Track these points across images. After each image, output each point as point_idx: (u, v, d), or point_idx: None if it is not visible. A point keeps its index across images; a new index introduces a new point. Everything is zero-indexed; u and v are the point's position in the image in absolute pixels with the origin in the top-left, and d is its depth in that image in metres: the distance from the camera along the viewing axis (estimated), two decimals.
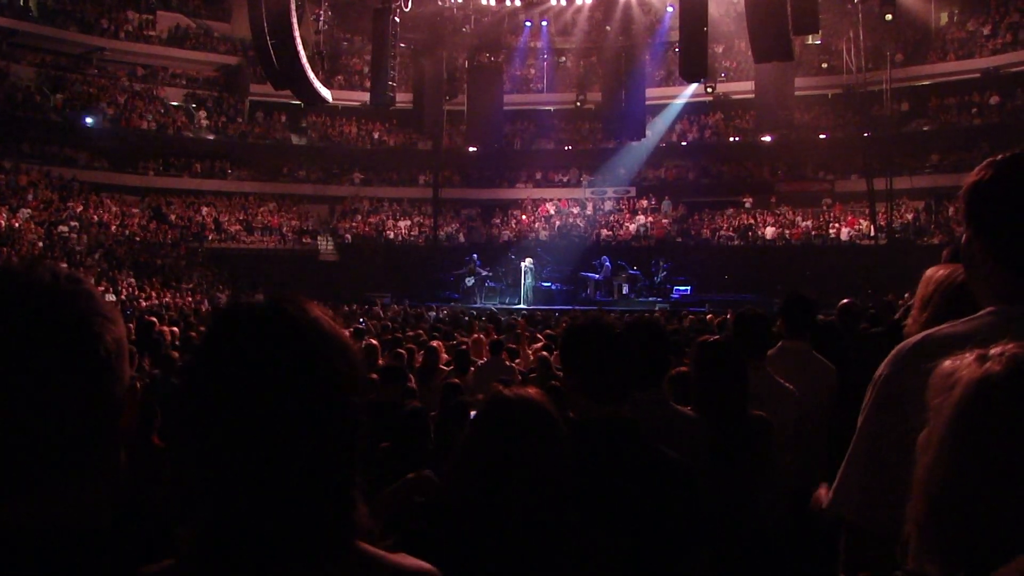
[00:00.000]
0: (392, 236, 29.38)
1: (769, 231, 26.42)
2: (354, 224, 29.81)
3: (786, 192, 28.13)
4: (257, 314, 0.96)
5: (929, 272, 2.05)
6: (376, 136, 31.17)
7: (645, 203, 29.21)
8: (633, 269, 23.74)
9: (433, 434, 4.09)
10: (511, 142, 30.51)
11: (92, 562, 0.88)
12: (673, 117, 29.02)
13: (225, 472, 0.90)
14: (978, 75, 25.34)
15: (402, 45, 24.85)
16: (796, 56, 19.82)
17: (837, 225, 25.99)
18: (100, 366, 0.91)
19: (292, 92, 22.64)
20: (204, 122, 29.51)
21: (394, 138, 31.21)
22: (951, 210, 23.43)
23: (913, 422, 1.42)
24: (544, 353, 7.29)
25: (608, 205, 29.54)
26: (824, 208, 27.05)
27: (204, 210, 28.38)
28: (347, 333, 1.02)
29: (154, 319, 10.16)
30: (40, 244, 22.50)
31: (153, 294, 22.36)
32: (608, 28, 26.91)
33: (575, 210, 29.80)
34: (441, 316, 16.68)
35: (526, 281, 23.67)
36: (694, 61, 19.01)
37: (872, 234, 24.85)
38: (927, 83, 26.63)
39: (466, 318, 15.44)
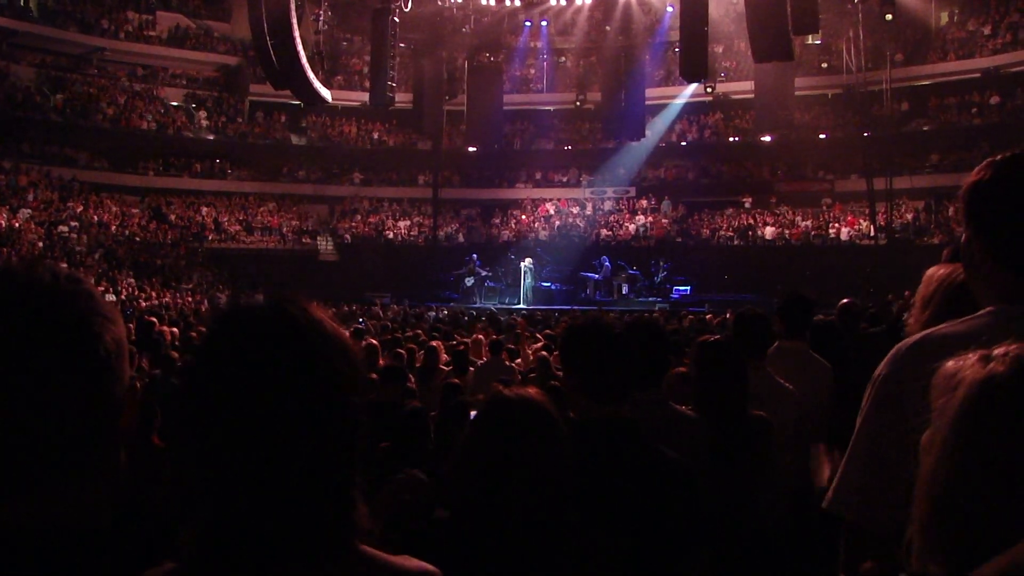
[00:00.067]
0: (392, 236, 29.38)
1: (769, 231, 26.42)
2: (354, 224, 29.81)
3: (786, 192, 28.13)
4: (258, 315, 0.96)
5: (930, 271, 2.05)
6: (376, 136, 31.17)
7: (645, 203, 29.21)
8: (633, 269, 23.74)
9: (433, 434, 4.09)
10: (511, 142, 30.51)
11: (92, 562, 0.88)
12: (673, 117, 29.01)
13: (226, 472, 0.90)
14: (978, 75, 25.34)
15: (402, 45, 24.85)
16: (796, 56, 19.81)
17: (837, 225, 25.99)
18: (100, 366, 0.91)
19: (292, 92, 22.64)
20: (204, 122, 29.51)
21: (394, 138, 31.21)
22: (951, 210, 23.43)
23: (913, 422, 1.43)
24: (544, 353, 7.29)
25: (608, 205, 29.54)
26: (824, 208, 27.05)
27: (204, 210, 28.38)
28: (347, 333, 1.02)
29: (154, 319, 10.17)
30: (40, 244, 22.50)
31: (153, 294, 22.36)
32: (608, 28, 26.91)
33: (575, 210, 29.80)
34: (441, 316, 16.68)
35: (526, 281, 23.67)
36: (694, 61, 19.00)
37: (872, 234, 24.85)
38: (927, 83, 26.62)
39: (465, 318, 15.44)
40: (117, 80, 28.61)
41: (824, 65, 26.20)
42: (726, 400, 3.02)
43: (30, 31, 26.52)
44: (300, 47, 20.30)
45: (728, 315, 12.73)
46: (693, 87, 26.65)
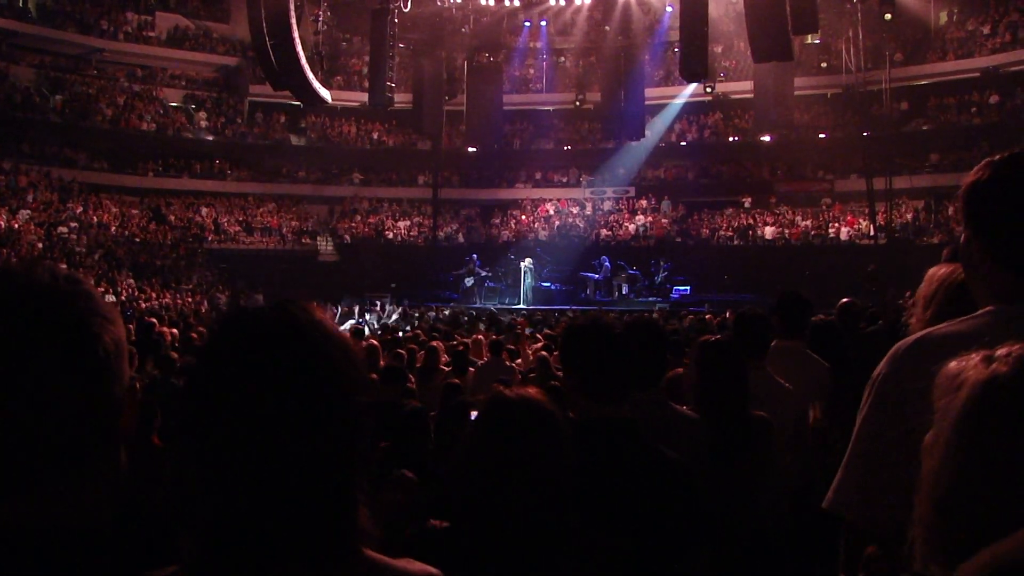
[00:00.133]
0: (391, 236, 29.38)
1: (768, 231, 26.42)
2: (353, 224, 29.81)
3: (785, 192, 28.13)
4: (261, 316, 0.97)
5: (932, 270, 2.05)
6: (375, 136, 31.17)
7: (644, 203, 29.21)
8: (632, 269, 23.74)
9: (433, 434, 4.09)
10: (510, 142, 30.51)
11: (92, 562, 0.88)
12: (672, 117, 29.02)
13: (229, 474, 0.90)
14: (977, 75, 25.35)
15: (401, 45, 24.85)
16: (795, 56, 19.83)
17: (836, 225, 25.99)
18: (99, 366, 0.91)
19: (291, 93, 22.64)
20: (203, 123, 29.52)
21: (393, 138, 31.21)
22: (951, 210, 23.43)
23: (914, 422, 1.43)
24: (544, 353, 7.30)
25: (607, 205, 29.54)
26: (823, 208, 27.05)
27: (204, 211, 28.38)
28: (348, 334, 1.02)
29: (154, 320, 10.17)
30: (40, 245, 22.50)
31: (153, 295, 22.36)
32: (607, 28, 26.91)
33: (574, 210, 29.80)
34: (441, 316, 16.68)
35: (526, 281, 23.66)
36: (694, 61, 19.00)
37: (872, 234, 24.85)
38: (926, 83, 26.63)
39: (465, 318, 15.45)
40: (116, 81, 28.61)
41: (824, 65, 26.20)
42: (726, 400, 3.02)
43: (29, 32, 26.52)
44: (299, 47, 20.30)
45: (728, 315, 12.77)
46: (692, 87, 26.65)
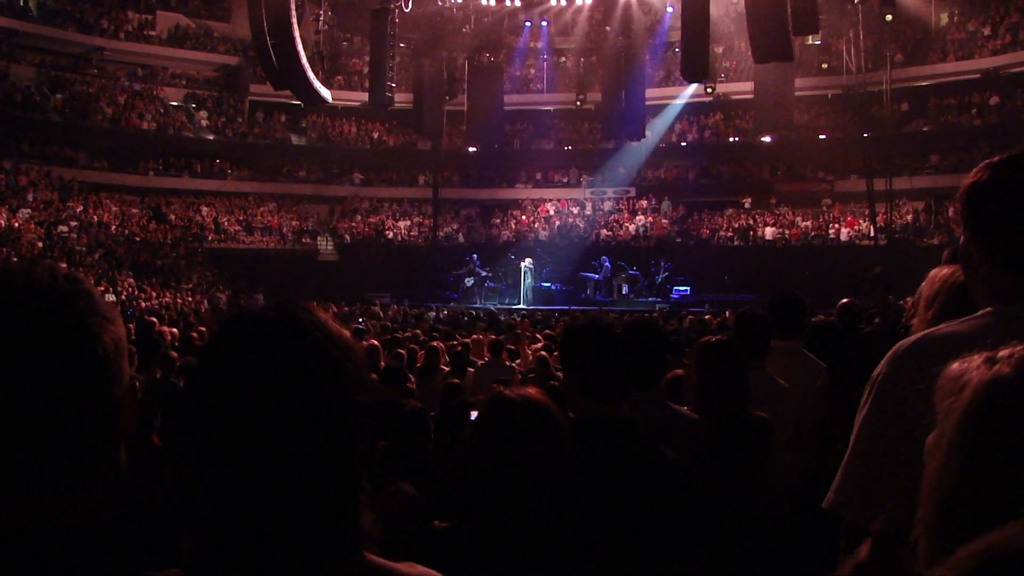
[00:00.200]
0: (392, 236, 29.38)
1: (769, 231, 26.42)
2: (354, 224, 29.81)
3: (786, 192, 28.13)
4: (263, 317, 0.97)
5: (934, 271, 2.06)
6: (376, 136, 31.18)
7: (645, 203, 29.21)
8: (633, 269, 23.75)
9: (433, 434, 4.09)
10: (511, 142, 30.52)
11: (92, 562, 0.88)
12: (673, 117, 29.02)
13: (230, 476, 0.90)
14: (978, 76, 25.35)
15: (402, 45, 24.86)
16: (796, 56, 19.83)
17: (837, 225, 25.99)
18: (99, 366, 0.90)
19: (292, 92, 22.65)
20: (204, 122, 29.52)
21: (394, 138, 31.21)
22: (951, 211, 23.42)
23: (914, 422, 1.43)
24: (543, 353, 7.30)
25: (608, 205, 29.54)
26: (824, 208, 27.06)
27: (204, 210, 28.38)
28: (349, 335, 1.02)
29: (154, 319, 10.17)
30: (40, 244, 22.49)
31: (153, 294, 22.36)
32: (608, 28, 26.93)
33: (575, 210, 29.80)
34: (441, 316, 16.68)
35: (526, 281, 23.67)
36: (696, 61, 19.01)
37: (872, 234, 24.85)
38: (927, 83, 26.64)
39: (465, 318, 15.45)
40: (117, 80, 28.62)
41: (824, 65, 26.18)
42: (727, 400, 3.02)
43: (30, 31, 26.52)
44: (300, 47, 20.31)
45: (727, 315, 12.78)
46: (693, 87, 26.65)
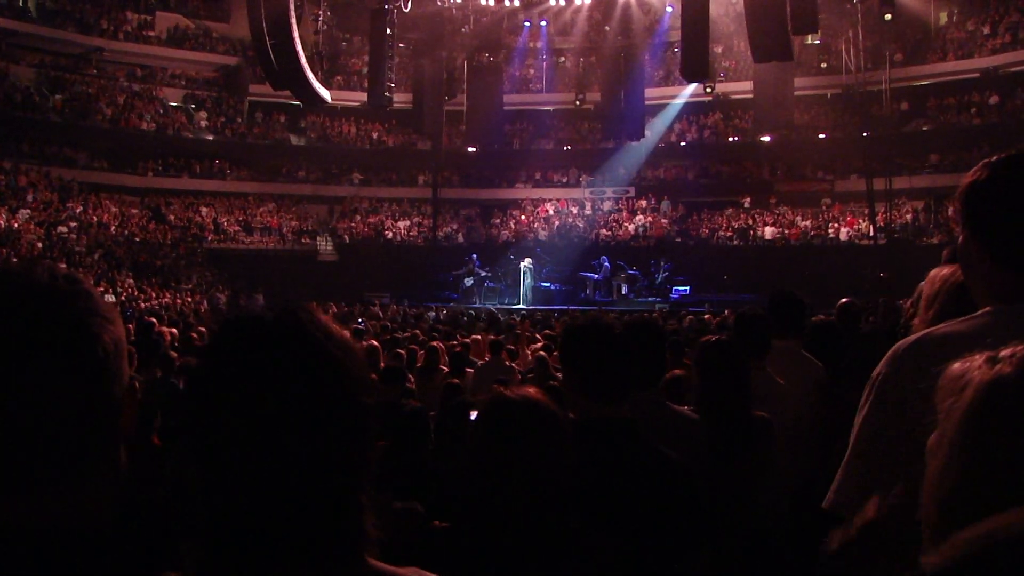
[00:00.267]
0: (391, 236, 29.38)
1: (768, 231, 26.42)
2: (353, 224, 29.81)
3: (785, 192, 28.14)
4: (265, 319, 0.96)
5: (934, 271, 2.06)
6: (375, 136, 31.17)
7: (644, 203, 29.20)
8: (632, 269, 23.74)
9: (433, 434, 4.09)
10: (510, 142, 30.51)
11: (92, 562, 0.88)
12: (672, 117, 29.03)
13: (232, 478, 0.90)
14: (977, 75, 25.36)
15: (401, 45, 24.85)
16: (795, 56, 19.83)
17: (836, 225, 25.99)
18: (99, 366, 0.90)
19: (291, 92, 22.64)
20: (203, 122, 29.52)
21: (393, 138, 31.21)
22: (950, 210, 23.42)
23: (914, 422, 1.43)
24: (542, 353, 7.30)
25: (607, 205, 29.54)
26: (823, 208, 27.06)
27: (203, 210, 28.38)
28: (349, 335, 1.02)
29: (154, 320, 10.17)
30: (39, 244, 22.50)
31: (152, 294, 22.36)
32: (607, 28, 26.92)
33: (574, 210, 29.80)
34: (441, 316, 16.69)
35: (525, 281, 23.67)
36: (696, 61, 19.01)
37: (871, 234, 24.85)
38: (926, 83, 26.64)
39: (465, 318, 15.46)
40: (116, 80, 28.62)
41: (823, 65, 26.21)
42: (728, 400, 3.02)
43: (29, 31, 26.53)
44: (299, 47, 20.31)
45: (726, 314, 12.78)
46: (692, 87, 26.66)
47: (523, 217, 29.90)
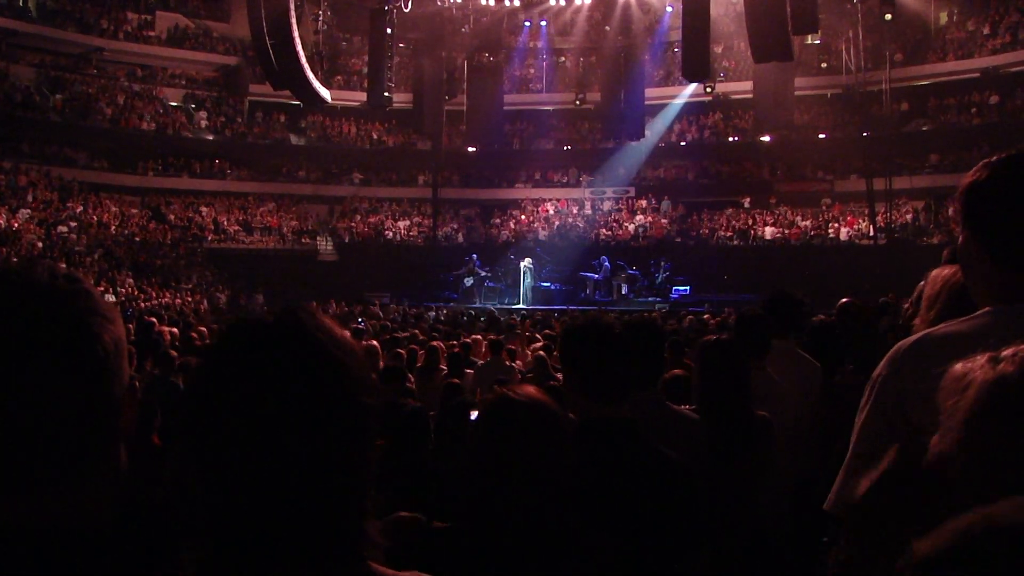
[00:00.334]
0: (391, 236, 29.38)
1: (768, 231, 26.42)
2: (353, 224, 29.81)
3: (785, 192, 28.13)
4: (267, 321, 0.96)
5: (935, 271, 2.06)
6: (375, 136, 31.17)
7: (644, 203, 29.21)
8: (632, 269, 23.74)
9: (433, 434, 4.09)
10: (510, 142, 30.51)
11: (92, 562, 0.88)
12: (672, 117, 29.02)
13: (234, 480, 0.90)
14: (978, 75, 25.35)
15: (401, 45, 24.86)
16: (795, 56, 19.81)
17: (836, 225, 25.99)
18: (99, 366, 0.90)
19: (291, 92, 22.65)
20: (203, 122, 29.51)
21: (393, 138, 31.21)
22: (950, 210, 23.42)
23: (915, 423, 1.43)
24: (541, 353, 7.29)
25: (607, 205, 29.54)
26: (823, 208, 27.06)
27: (203, 210, 28.38)
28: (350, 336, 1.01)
29: (153, 319, 10.17)
30: (39, 244, 22.50)
31: (152, 294, 22.36)
32: (607, 28, 26.92)
33: (574, 210, 29.81)
34: (441, 316, 16.69)
35: (525, 281, 23.67)
36: (696, 61, 19.01)
37: (871, 234, 24.85)
38: (927, 83, 26.64)
39: (465, 318, 15.46)
40: (116, 80, 28.61)
41: (824, 65, 26.20)
42: (729, 400, 3.02)
43: (29, 31, 26.52)
44: (299, 47, 20.31)
45: (726, 312, 12.80)
46: (693, 87, 26.66)
47: (523, 217, 29.90)
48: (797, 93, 24.23)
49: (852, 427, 1.63)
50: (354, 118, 30.90)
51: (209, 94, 30.52)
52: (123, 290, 21.85)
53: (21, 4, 26.35)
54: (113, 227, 25.61)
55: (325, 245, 28.94)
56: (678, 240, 27.09)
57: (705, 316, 14.32)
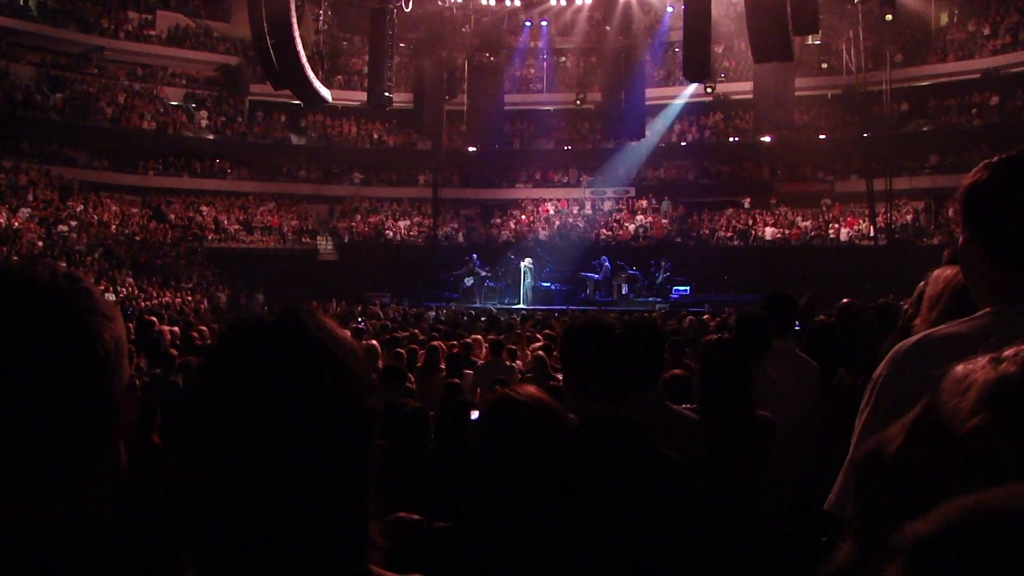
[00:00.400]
0: (391, 236, 29.38)
1: (768, 231, 26.42)
2: (353, 224, 29.82)
3: (785, 192, 28.14)
4: (268, 322, 0.96)
5: (937, 272, 2.06)
6: (376, 136, 31.17)
7: (644, 203, 29.21)
8: (632, 269, 23.75)
9: (433, 434, 4.09)
10: (511, 142, 30.51)
11: (92, 562, 0.88)
12: (672, 117, 29.02)
13: (237, 482, 0.90)
14: (978, 76, 25.34)
15: (402, 45, 24.87)
16: (796, 56, 19.82)
17: (836, 226, 25.99)
18: (99, 365, 0.90)
19: (292, 92, 22.65)
20: (204, 122, 29.51)
21: (394, 138, 31.20)
22: (950, 211, 23.42)
23: None
24: (541, 353, 7.29)
25: (607, 205, 29.55)
26: (823, 209, 27.06)
27: (204, 210, 28.39)
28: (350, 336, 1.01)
29: (154, 319, 10.17)
30: (40, 243, 22.49)
31: (153, 293, 22.37)
32: (608, 28, 26.92)
33: (575, 210, 29.81)
34: (441, 316, 16.69)
35: (525, 281, 23.68)
36: (697, 61, 19.01)
37: (872, 235, 24.85)
38: (927, 83, 26.63)
39: (465, 318, 15.46)
40: (117, 79, 28.61)
41: (824, 65, 26.18)
42: (730, 400, 3.02)
43: (30, 30, 26.51)
44: (300, 47, 20.31)
45: (726, 312, 12.80)
46: (693, 87, 26.65)
47: (523, 217, 29.90)
48: (797, 93, 24.24)
49: (852, 428, 1.63)
50: (354, 118, 30.89)
51: (210, 94, 30.52)
52: (123, 289, 21.85)
53: (22, 3, 26.35)
54: (113, 226, 25.62)
55: (325, 245, 28.94)
56: (678, 240, 27.09)
57: (705, 316, 14.31)
